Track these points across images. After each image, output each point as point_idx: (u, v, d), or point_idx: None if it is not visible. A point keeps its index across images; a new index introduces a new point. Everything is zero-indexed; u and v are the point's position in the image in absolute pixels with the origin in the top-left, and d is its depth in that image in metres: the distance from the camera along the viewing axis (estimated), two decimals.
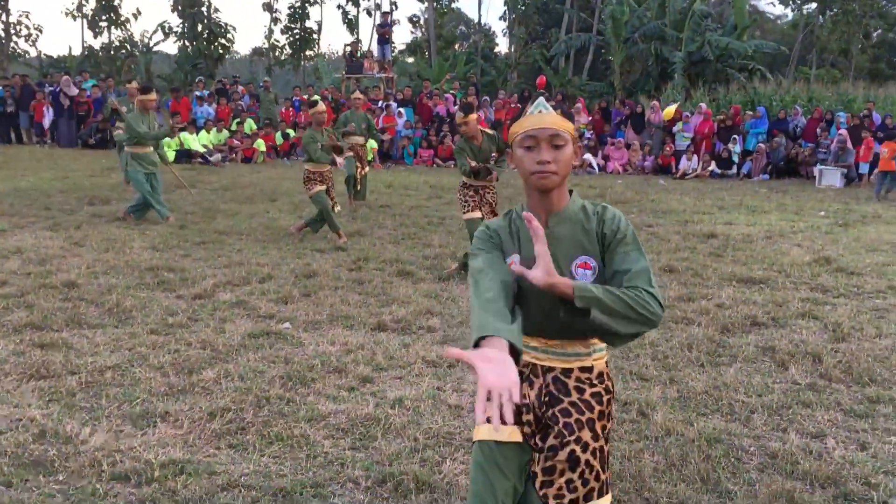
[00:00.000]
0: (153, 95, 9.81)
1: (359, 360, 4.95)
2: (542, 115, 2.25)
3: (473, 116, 7.37)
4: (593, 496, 2.27)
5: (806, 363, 5.15)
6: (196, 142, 18.17)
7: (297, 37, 47.89)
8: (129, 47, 46.06)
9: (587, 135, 19.66)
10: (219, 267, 7.37)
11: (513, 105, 21.12)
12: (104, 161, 16.44)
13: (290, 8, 46.48)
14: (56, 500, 3.21)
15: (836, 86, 29.11)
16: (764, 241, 9.68)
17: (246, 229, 9.37)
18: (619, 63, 32.05)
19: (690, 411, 4.33)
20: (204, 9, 44.07)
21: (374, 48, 23.53)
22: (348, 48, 24.64)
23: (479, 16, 66.35)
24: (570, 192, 2.34)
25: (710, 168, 18.73)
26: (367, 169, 11.94)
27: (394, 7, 47.60)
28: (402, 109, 20.01)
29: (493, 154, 7.44)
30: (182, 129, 17.94)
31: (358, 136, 11.55)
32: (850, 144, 17.69)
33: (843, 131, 18.13)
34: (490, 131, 7.56)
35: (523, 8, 41.05)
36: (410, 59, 47.56)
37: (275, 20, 47.36)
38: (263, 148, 18.60)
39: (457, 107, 21.05)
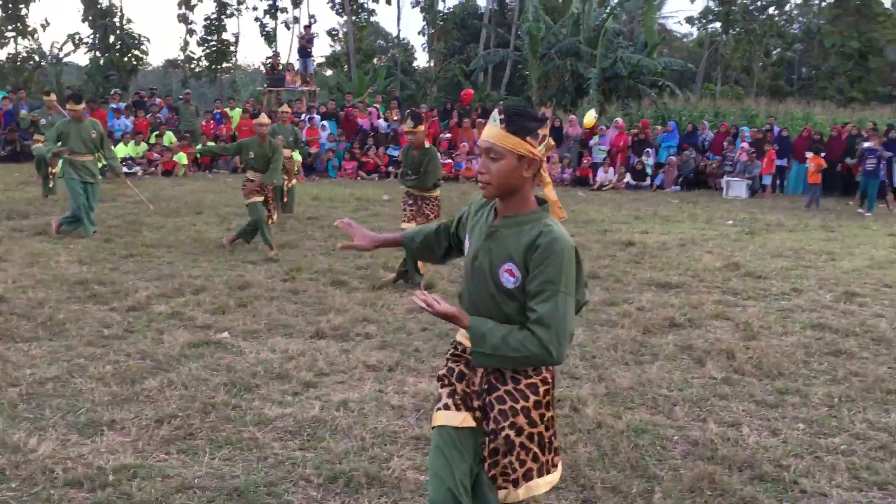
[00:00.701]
0: (82, 105, 9.67)
1: (301, 367, 5.07)
2: (488, 128, 2.38)
3: (422, 127, 7.69)
4: (532, 475, 2.45)
5: (721, 359, 5.54)
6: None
7: (214, 49, 47.21)
8: (36, 58, 44.56)
9: None
10: (150, 280, 7.34)
11: (433, 119, 21.44)
12: (17, 175, 15.92)
13: (206, 19, 45.78)
14: None
15: (739, 101, 30.61)
16: (678, 249, 10.20)
17: (174, 242, 9.32)
18: (537, 78, 32.83)
19: (619, 405, 4.63)
20: (116, 19, 43.00)
21: (294, 61, 23.52)
22: (269, 61, 24.54)
23: (399, 30, 66.51)
24: (542, 204, 2.43)
25: (625, 180, 19.44)
26: (294, 181, 11.99)
27: (313, 20, 47.56)
28: (325, 122, 20.06)
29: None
30: None
31: (286, 148, 11.58)
32: (754, 157, 18.67)
33: (746, 144, 19.14)
34: (429, 146, 7.80)
35: (442, 23, 41.56)
36: (329, 72, 47.48)
37: (190, 32, 46.40)
38: (185, 161, 18.34)
39: (382, 119, 21.26)
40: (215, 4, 44.76)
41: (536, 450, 2.45)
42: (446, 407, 2.53)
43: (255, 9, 58.66)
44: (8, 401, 4.32)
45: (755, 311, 6.91)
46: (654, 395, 4.83)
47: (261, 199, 8.99)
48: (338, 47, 51.82)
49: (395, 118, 21.27)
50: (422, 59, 51.67)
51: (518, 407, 2.42)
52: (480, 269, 2.43)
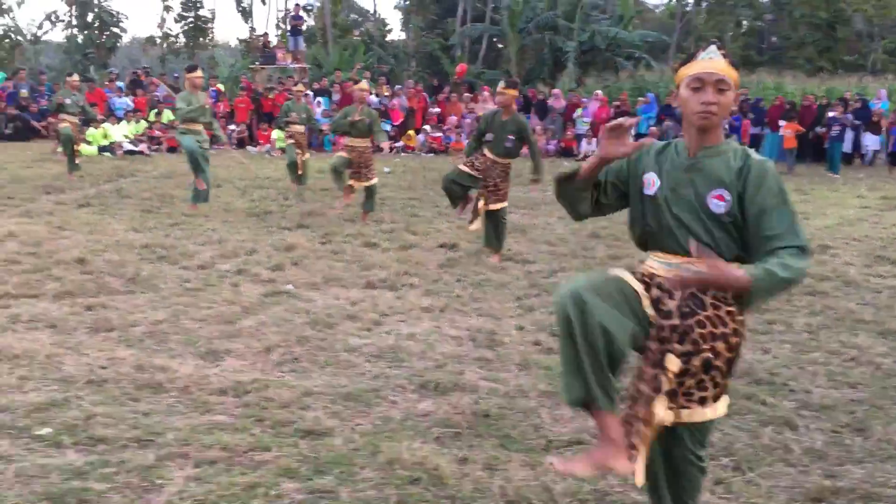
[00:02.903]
0: (199, 73, 10.37)
1: (365, 310, 5.98)
2: (711, 61, 2.49)
3: (512, 92, 7.68)
4: (719, 398, 2.55)
5: None
6: (119, 133, 18.41)
7: (191, 25, 47.33)
8: (13, 36, 44.42)
9: None
10: (203, 244, 8.18)
11: (420, 94, 22.23)
12: (29, 153, 16.55)
13: None
14: (177, 408, 4.14)
15: None
16: None
17: (208, 212, 10.11)
18: (515, 52, 33.59)
19: None
20: None
21: (274, 37, 24.21)
22: (260, 39, 25.10)
23: (374, 4, 66.73)
24: (727, 135, 2.60)
25: None
26: (307, 155, 12.79)
27: None
28: (320, 99, 20.76)
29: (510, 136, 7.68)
30: (103, 121, 18.20)
31: (299, 124, 12.39)
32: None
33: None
34: (522, 117, 7.91)
35: None
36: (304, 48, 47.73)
37: (167, 8, 46.53)
38: None
39: (374, 95, 21.98)
40: None
41: (721, 379, 2.53)
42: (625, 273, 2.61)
43: None
44: (136, 337, 5.19)
45: None
46: None
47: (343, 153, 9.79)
48: (311, 22, 52.11)
49: (386, 94, 22.01)
50: (395, 34, 51.95)
51: (718, 332, 2.48)
52: (686, 202, 2.52)
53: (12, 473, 3.37)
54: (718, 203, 2.48)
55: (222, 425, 3.91)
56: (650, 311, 2.53)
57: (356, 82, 22.42)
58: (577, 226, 9.83)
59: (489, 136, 7.72)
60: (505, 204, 7.90)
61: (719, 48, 2.52)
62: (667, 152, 2.65)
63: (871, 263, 8.10)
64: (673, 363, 2.46)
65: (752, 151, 2.52)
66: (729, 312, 2.49)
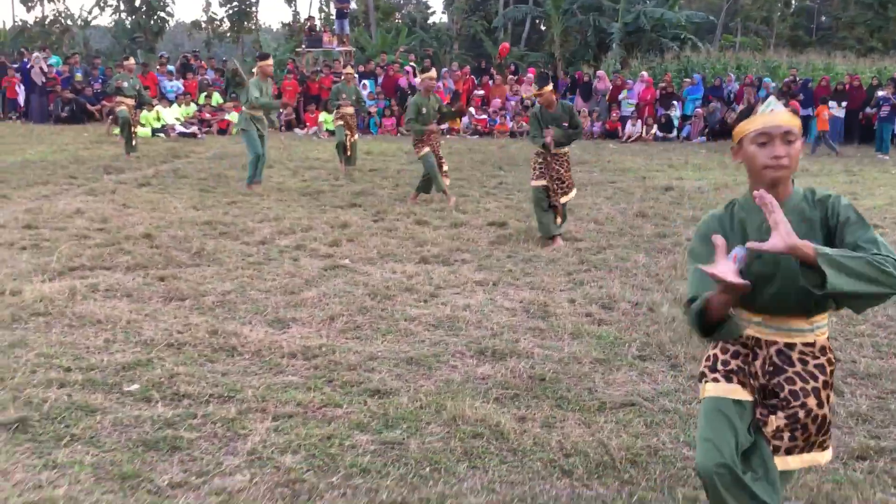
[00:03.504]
0: (271, 61, 10.74)
1: (421, 282, 6.23)
2: (774, 114, 2.43)
3: (548, 88, 7.75)
4: (804, 450, 2.54)
5: None
6: (171, 116, 18.91)
7: (236, 9, 47.96)
8: (63, 21, 45.49)
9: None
10: (261, 221, 8.50)
11: (467, 77, 22.36)
12: (86, 135, 17.11)
13: None
14: (252, 369, 4.43)
15: (761, 53, 31.18)
16: (713, 192, 11.25)
17: (263, 191, 10.45)
18: (559, 34, 33.48)
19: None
20: None
21: (318, 21, 24.52)
22: (306, 23, 25.44)
23: None
24: (792, 181, 2.49)
25: (653, 132, 20.39)
26: (356, 136, 13.06)
27: None
28: (365, 81, 21.03)
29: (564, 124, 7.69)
30: (156, 104, 18.70)
31: (349, 107, 12.66)
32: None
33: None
34: (567, 103, 8.00)
35: None
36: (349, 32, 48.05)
37: None
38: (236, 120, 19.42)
39: (418, 78, 22.17)
40: None
41: (813, 430, 2.51)
42: (715, 380, 2.58)
43: None
44: (207, 306, 5.50)
45: None
46: None
47: (428, 149, 9.65)
48: (354, 5, 52.45)
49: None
50: (436, 16, 52.09)
51: (808, 388, 2.48)
52: (786, 267, 2.40)
53: (109, 423, 3.69)
54: None
55: (295, 384, 4.19)
56: (747, 395, 2.54)
57: (402, 65, 22.85)
58: (624, 205, 9.98)
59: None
60: (573, 193, 7.99)
61: (778, 98, 2.49)
62: (735, 218, 2.55)
63: None
64: (772, 422, 2.51)
65: (818, 190, 2.47)
66: (818, 366, 2.49)
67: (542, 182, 7.79)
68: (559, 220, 7.88)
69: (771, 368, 2.51)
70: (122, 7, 44.77)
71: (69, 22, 45.26)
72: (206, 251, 7.01)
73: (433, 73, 10.34)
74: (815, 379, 2.48)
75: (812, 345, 2.49)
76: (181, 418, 3.75)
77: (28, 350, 4.54)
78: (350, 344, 4.87)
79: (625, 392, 4.19)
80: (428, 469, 3.36)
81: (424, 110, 9.67)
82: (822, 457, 2.58)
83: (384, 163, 14.09)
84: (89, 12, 45.07)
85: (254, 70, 10.88)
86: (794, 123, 2.42)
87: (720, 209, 2.60)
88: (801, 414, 2.47)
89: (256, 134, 10.50)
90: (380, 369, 4.45)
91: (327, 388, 4.15)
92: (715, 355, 2.62)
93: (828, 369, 2.51)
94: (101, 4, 44.72)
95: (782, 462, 2.51)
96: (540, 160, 7.85)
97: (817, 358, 2.49)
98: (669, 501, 3.15)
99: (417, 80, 22.07)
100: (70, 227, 7.85)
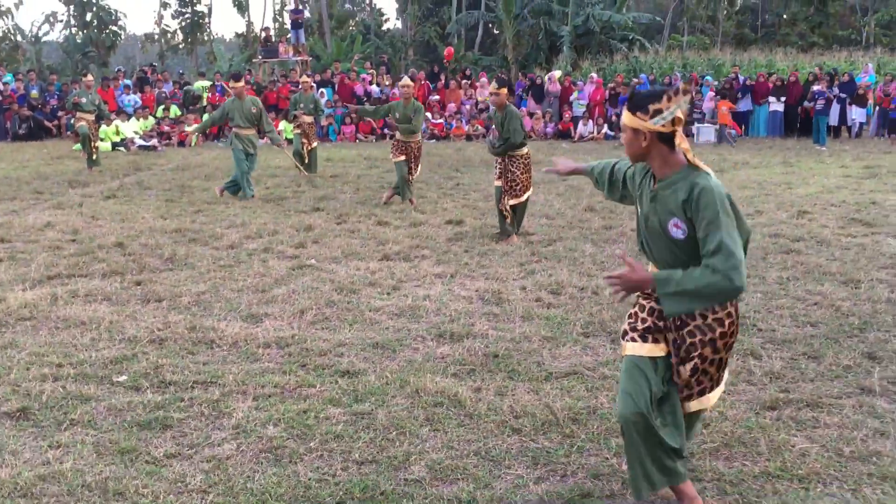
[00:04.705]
0: (242, 83, 11.14)
1: (384, 277, 6.66)
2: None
3: (505, 90, 8.21)
4: (706, 392, 3.02)
5: None
6: (130, 130, 19.09)
7: (188, 21, 47.89)
8: (12, 37, 45.06)
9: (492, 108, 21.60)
10: (228, 227, 8.85)
11: (423, 82, 22.84)
12: (45, 151, 17.23)
13: None
14: (230, 358, 4.83)
15: (706, 52, 32.17)
16: None
17: (227, 199, 10.79)
18: (511, 38, 34.16)
19: None
20: None
21: (271, 31, 24.80)
22: (262, 33, 25.70)
23: None
24: (692, 165, 2.83)
25: (603, 131, 21.06)
26: (315, 144, 13.44)
27: None
28: (323, 90, 21.39)
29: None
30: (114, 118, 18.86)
31: (307, 115, 13.04)
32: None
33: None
34: (508, 105, 8.19)
35: None
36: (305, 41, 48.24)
37: (164, 4, 47.11)
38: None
39: (375, 85, 22.57)
40: None
41: (714, 371, 2.97)
42: (632, 340, 3.01)
43: None
44: (183, 305, 5.87)
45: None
46: None
47: (403, 158, 10.22)
48: (308, 14, 52.66)
49: (387, 83, 22.66)
50: (390, 23, 52.45)
51: (706, 339, 2.88)
52: (654, 228, 2.90)
53: (104, 408, 4.07)
54: (677, 231, 2.83)
55: (272, 370, 4.61)
56: (660, 352, 2.98)
57: (358, 73, 23.26)
58: (574, 200, 10.52)
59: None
60: (526, 196, 8.22)
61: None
62: (644, 180, 3.01)
63: (844, 225, 8.76)
64: (682, 373, 2.97)
65: (699, 181, 2.77)
66: (717, 319, 2.87)
67: (499, 182, 8.22)
68: (508, 219, 8.18)
69: (678, 322, 2.91)
70: (72, 22, 44.58)
71: (20, 38, 44.91)
72: (177, 256, 7.37)
73: (406, 80, 10.80)
74: (713, 331, 2.86)
75: None
76: (169, 402, 4.14)
77: (20, 350, 4.90)
78: (320, 333, 5.29)
79: (569, 364, 4.68)
80: (394, 433, 3.80)
81: (398, 115, 10.23)
82: (714, 395, 3.04)
83: (344, 168, 14.50)
84: (40, 28, 44.66)
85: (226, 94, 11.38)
86: (625, 118, 2.86)
87: (642, 164, 3.03)
88: (699, 363, 2.90)
89: (243, 154, 10.87)
90: (348, 354, 4.88)
91: (301, 372, 4.58)
92: (635, 313, 3.05)
93: (726, 322, 2.86)
94: (52, 20, 44.44)
95: (688, 407, 3.03)
96: (497, 160, 8.26)
97: (716, 313, 2.86)
98: (605, 450, 3.64)
99: (374, 87, 22.62)
100: (42, 239, 8.15)
